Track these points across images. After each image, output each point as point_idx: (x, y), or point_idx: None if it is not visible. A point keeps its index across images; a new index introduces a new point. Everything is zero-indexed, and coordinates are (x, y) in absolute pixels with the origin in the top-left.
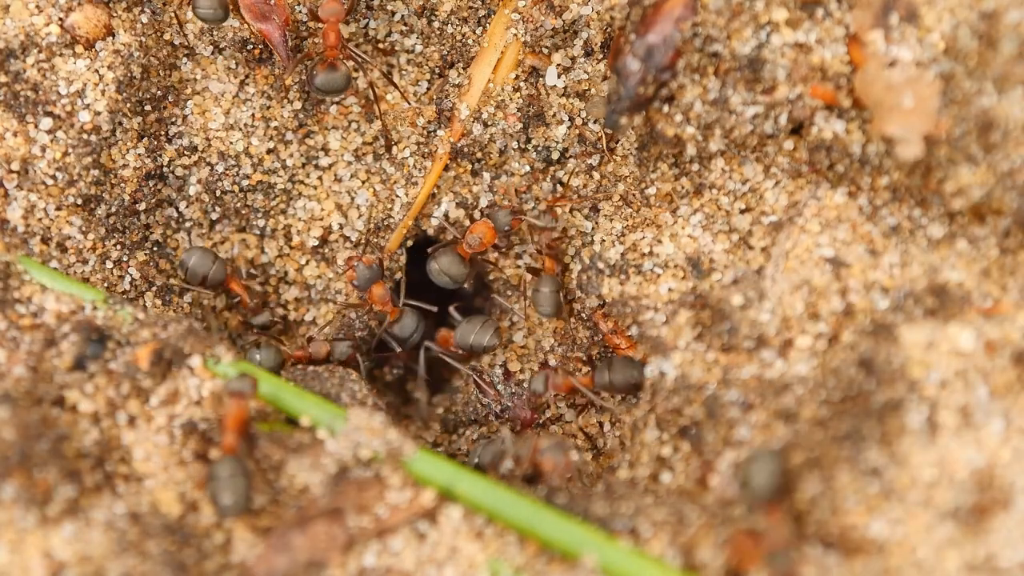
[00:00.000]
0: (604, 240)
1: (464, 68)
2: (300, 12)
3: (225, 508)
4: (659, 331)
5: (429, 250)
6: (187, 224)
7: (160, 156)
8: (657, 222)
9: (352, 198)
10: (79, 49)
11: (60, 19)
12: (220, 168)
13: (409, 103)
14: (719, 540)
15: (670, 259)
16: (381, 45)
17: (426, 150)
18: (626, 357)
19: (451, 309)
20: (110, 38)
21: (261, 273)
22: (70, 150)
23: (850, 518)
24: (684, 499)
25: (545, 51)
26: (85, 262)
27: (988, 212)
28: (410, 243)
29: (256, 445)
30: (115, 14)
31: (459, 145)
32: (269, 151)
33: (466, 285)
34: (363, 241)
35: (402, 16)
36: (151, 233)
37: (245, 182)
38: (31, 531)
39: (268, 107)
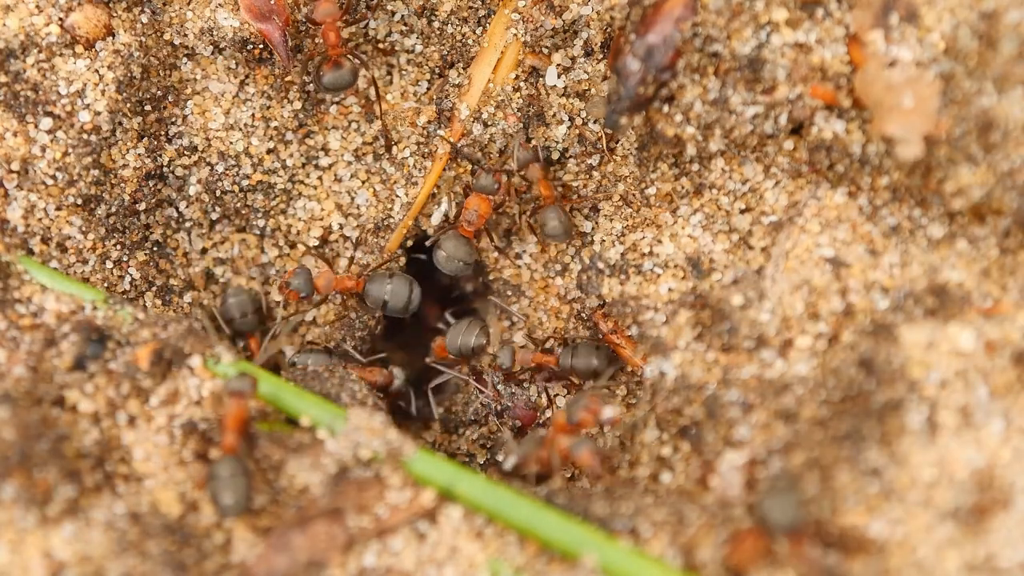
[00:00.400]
0: (604, 240)
1: (464, 68)
2: (300, 12)
3: (226, 508)
4: (659, 331)
5: (428, 243)
6: (187, 224)
7: (160, 156)
8: (657, 222)
9: (352, 198)
10: (79, 49)
11: (60, 19)
12: (220, 168)
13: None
14: (719, 540)
15: (670, 259)
16: (381, 45)
17: (426, 150)
18: (591, 344)
19: (447, 315)
20: (110, 38)
21: (260, 273)
22: (70, 150)
23: (850, 518)
24: (684, 499)
25: (545, 51)
26: (85, 262)
27: (988, 212)
28: (410, 243)
29: (256, 445)
30: (115, 14)
31: (459, 145)
32: (269, 151)
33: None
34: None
35: (402, 16)
36: (151, 233)
37: (245, 182)
38: (31, 531)
39: (268, 107)
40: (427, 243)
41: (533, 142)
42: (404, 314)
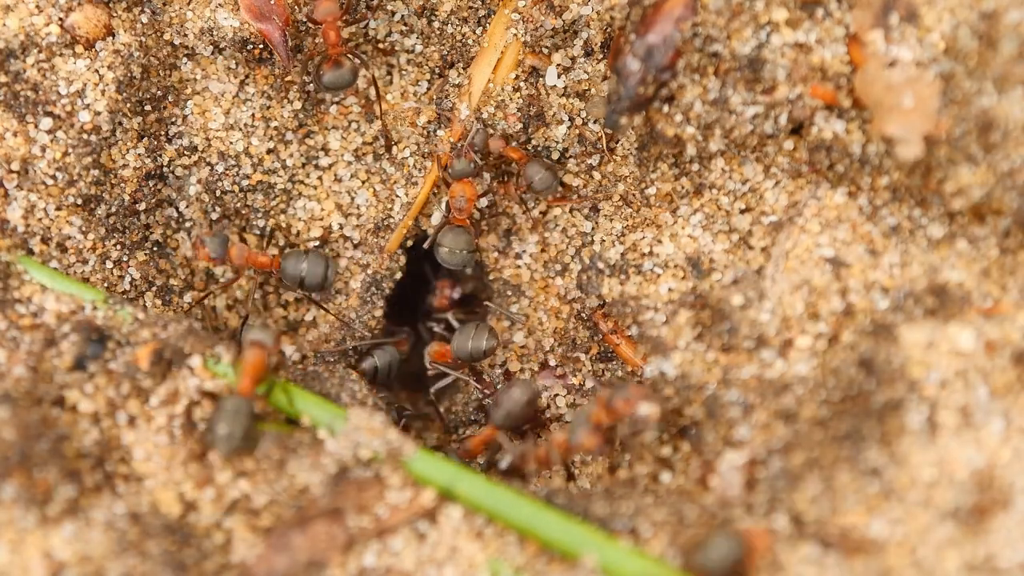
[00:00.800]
0: (604, 240)
1: (464, 68)
2: (300, 12)
3: (218, 439)
4: (659, 331)
5: (426, 244)
6: (187, 224)
7: (160, 156)
8: (657, 222)
9: (352, 198)
10: (79, 49)
11: (60, 19)
12: (220, 168)
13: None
14: None
15: (670, 259)
16: (381, 45)
17: (426, 150)
18: (514, 382)
19: (450, 316)
20: (110, 38)
21: (261, 273)
22: (70, 150)
23: (850, 518)
24: (684, 499)
25: (545, 51)
26: (85, 262)
27: (988, 212)
28: (410, 243)
29: (271, 394)
30: (115, 14)
31: (459, 145)
32: (269, 151)
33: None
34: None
35: (402, 16)
36: (151, 233)
37: (245, 182)
38: (31, 531)
39: (268, 107)
40: (424, 245)
41: (476, 123)
42: (320, 291)
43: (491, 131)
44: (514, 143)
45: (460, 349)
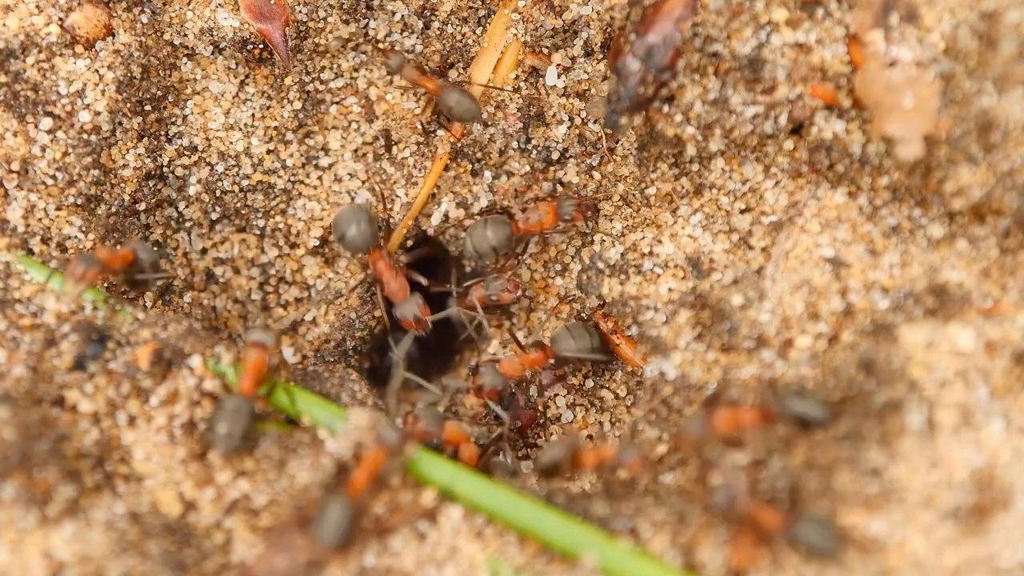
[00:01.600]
0: (604, 240)
1: (464, 68)
2: (300, 12)
3: (218, 438)
4: (659, 331)
5: (476, 217)
6: (187, 224)
7: (160, 156)
8: (657, 222)
9: (352, 198)
10: (79, 49)
11: (60, 19)
12: (220, 168)
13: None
14: (719, 540)
15: (670, 259)
16: (381, 45)
17: (426, 150)
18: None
19: (510, 332)
20: (110, 38)
21: (261, 273)
22: (70, 150)
23: (850, 518)
24: (684, 499)
25: (545, 51)
26: None
27: (988, 212)
28: (410, 243)
29: (272, 395)
30: (115, 14)
31: (459, 145)
32: (269, 151)
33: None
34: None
35: (402, 16)
36: (151, 233)
37: (245, 182)
38: (31, 531)
39: (268, 107)
40: (477, 216)
41: (388, 48)
42: (155, 273)
43: (407, 59)
44: (429, 74)
45: (566, 348)
